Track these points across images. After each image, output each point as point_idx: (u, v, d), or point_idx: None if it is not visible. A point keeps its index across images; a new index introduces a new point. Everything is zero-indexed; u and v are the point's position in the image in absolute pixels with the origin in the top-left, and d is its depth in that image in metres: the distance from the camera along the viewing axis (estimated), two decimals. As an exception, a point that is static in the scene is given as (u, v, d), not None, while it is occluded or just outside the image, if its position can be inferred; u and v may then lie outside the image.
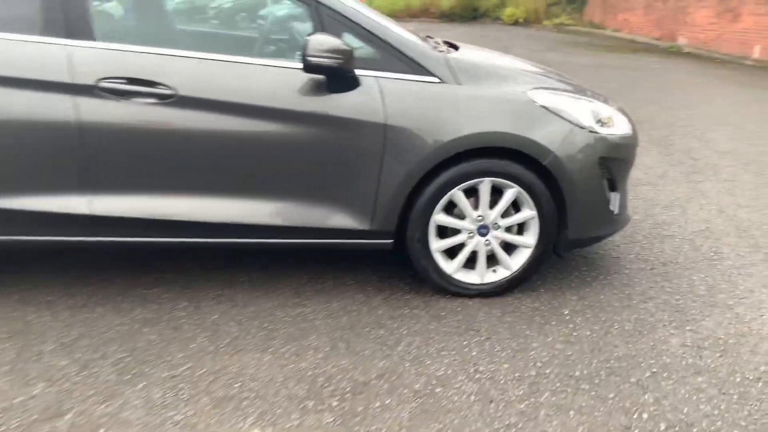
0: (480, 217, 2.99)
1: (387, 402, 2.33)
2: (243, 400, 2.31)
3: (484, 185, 2.93)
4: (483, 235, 3.02)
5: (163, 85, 2.70)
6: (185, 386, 2.38)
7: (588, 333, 2.82)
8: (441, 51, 3.10)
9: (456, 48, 3.49)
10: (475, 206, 3.01)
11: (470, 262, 3.09)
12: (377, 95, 2.81)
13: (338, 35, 2.77)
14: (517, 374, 2.51)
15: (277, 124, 2.78)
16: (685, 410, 2.34)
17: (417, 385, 2.43)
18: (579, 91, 3.26)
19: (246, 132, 2.77)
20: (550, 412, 2.30)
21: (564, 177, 2.94)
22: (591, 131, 3.00)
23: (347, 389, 2.39)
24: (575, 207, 3.00)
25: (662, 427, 2.25)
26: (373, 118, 2.80)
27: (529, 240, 3.05)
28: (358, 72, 2.80)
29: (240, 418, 2.22)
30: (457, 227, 3.01)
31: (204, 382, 2.41)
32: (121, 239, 2.88)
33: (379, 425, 2.21)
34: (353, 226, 2.93)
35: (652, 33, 15.72)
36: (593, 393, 2.42)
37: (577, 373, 2.53)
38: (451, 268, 3.05)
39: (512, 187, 2.94)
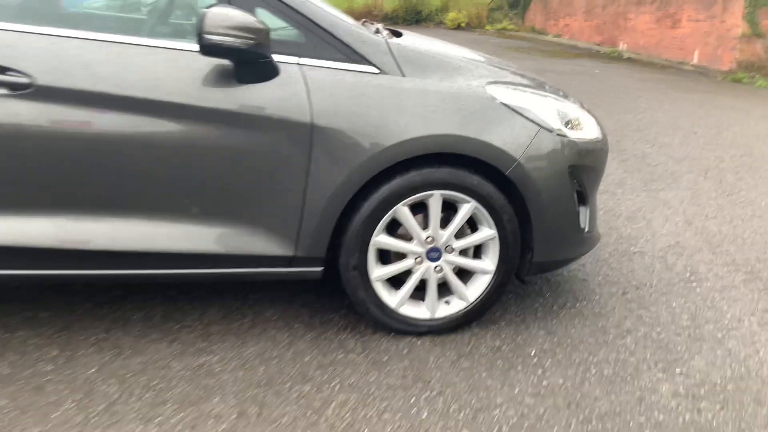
0: (430, 239, 2.41)
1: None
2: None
3: (435, 200, 2.36)
4: (433, 259, 2.45)
5: (16, 71, 2.01)
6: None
7: (561, 381, 2.27)
8: (381, 36, 2.51)
9: (399, 35, 2.92)
10: (424, 225, 2.43)
11: (419, 292, 2.52)
12: (301, 87, 2.20)
13: (250, 10, 2.14)
14: (479, 443, 1.95)
15: (169, 124, 2.13)
16: (690, 488, 1.82)
17: (351, 466, 1.83)
18: (539, 86, 2.73)
19: (126, 134, 2.11)
20: (523, 499, 1.75)
21: (529, 189, 2.40)
22: (559, 134, 2.47)
23: (258, 476, 1.78)
24: (542, 225, 2.46)
25: None
26: (295, 117, 2.19)
27: (488, 265, 2.50)
28: (276, 58, 2.19)
29: None
30: (403, 251, 2.43)
31: (60, 474, 1.74)
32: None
33: None
34: (272, 253, 2.31)
35: (592, 38, 15.62)
36: (575, 467, 1.87)
37: (554, 439, 1.99)
38: (396, 300, 2.47)
39: (468, 201, 2.38)
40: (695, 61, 12.12)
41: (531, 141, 2.39)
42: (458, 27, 18.93)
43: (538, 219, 2.45)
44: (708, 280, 3.14)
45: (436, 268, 2.45)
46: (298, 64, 2.23)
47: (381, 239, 2.37)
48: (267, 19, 2.19)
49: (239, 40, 2.02)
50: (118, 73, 2.09)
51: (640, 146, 5.86)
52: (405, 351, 2.41)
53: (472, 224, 2.50)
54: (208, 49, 2.03)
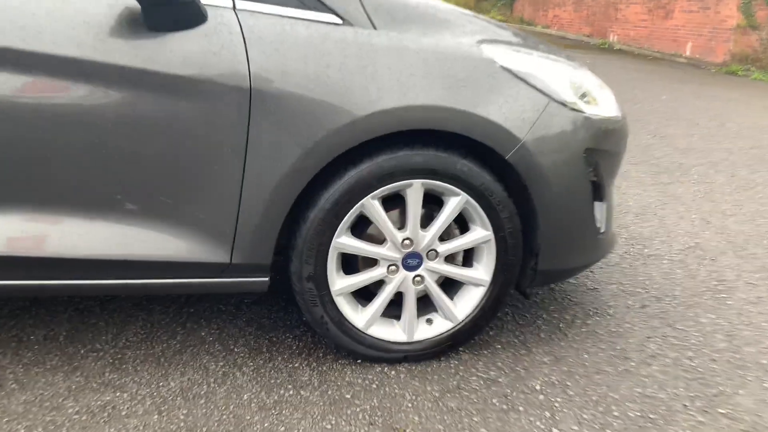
0: (407, 241, 1.86)
1: None
2: None
3: (414, 191, 1.81)
4: (412, 268, 1.89)
5: None
6: None
7: (576, 428, 1.73)
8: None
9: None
10: (400, 224, 1.88)
11: (393, 309, 1.96)
12: (236, 40, 1.63)
13: (164, -69, 1.56)
14: None
15: (56, 85, 1.55)
16: None
17: None
18: (547, 50, 2.16)
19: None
20: None
21: (536, 178, 1.84)
22: (574, 109, 1.91)
23: None
24: (550, 224, 1.91)
25: None
26: (227, 79, 1.62)
27: (482, 274, 1.94)
28: (202, -1, 1.62)
29: None
30: (373, 256, 1.87)
31: None
32: None
33: None
34: (199, 259, 1.74)
35: (582, 30, 15.11)
36: None
37: None
38: (363, 319, 1.91)
39: (456, 194, 1.83)
40: (688, 53, 11.63)
41: (539, 116, 1.83)
42: (445, 18, 18.35)
43: (546, 216, 1.89)
44: (738, 290, 2.61)
45: (415, 278, 1.90)
46: (233, 8, 1.66)
47: (344, 241, 1.81)
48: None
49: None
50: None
51: (641, 137, 5.34)
52: (374, 385, 1.85)
53: (461, 223, 1.95)
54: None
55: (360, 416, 1.71)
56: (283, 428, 1.65)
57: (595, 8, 14.58)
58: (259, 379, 1.84)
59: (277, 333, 2.08)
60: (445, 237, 1.94)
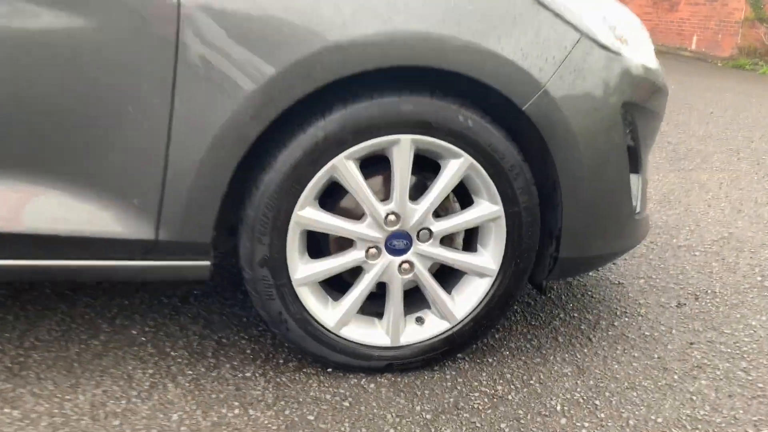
0: (393, 217, 1.41)
1: None
2: None
3: (401, 151, 1.36)
4: (398, 251, 1.44)
5: None
6: None
7: (613, 466, 1.29)
8: None
9: None
10: (384, 195, 1.44)
11: (374, 304, 1.52)
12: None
13: None
14: None
15: None
16: None
17: None
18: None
19: None
20: None
21: (561, 138, 1.39)
22: (611, 51, 1.46)
23: None
24: (577, 198, 1.46)
25: None
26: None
27: (487, 262, 1.50)
28: None
29: None
30: (347, 235, 1.42)
31: None
32: None
33: None
34: (116, 234, 1.29)
35: (583, 24, 14.64)
36: None
37: None
38: (334, 316, 1.46)
39: (457, 156, 1.38)
40: (693, 46, 11.19)
41: (567, 56, 1.38)
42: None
43: (572, 189, 1.45)
44: (789, 288, 2.17)
45: (402, 265, 1.45)
46: None
47: (309, 215, 1.36)
48: None
49: None
50: None
51: (653, 123, 4.89)
52: (346, 403, 1.40)
53: (463, 195, 1.51)
54: None
55: (325, 447, 1.27)
56: (218, 464, 1.20)
57: (598, 2, 14.12)
58: (197, 392, 1.40)
59: (228, 333, 1.64)
60: (441, 213, 1.49)
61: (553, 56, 1.36)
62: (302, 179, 1.32)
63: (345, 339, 1.47)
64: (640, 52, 1.58)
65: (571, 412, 1.43)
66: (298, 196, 1.33)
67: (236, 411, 1.35)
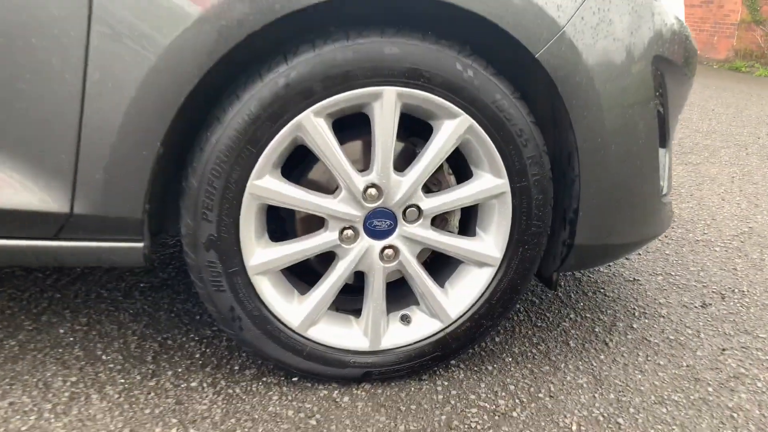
0: (373, 190, 1.13)
1: None
2: None
3: (385, 107, 1.08)
4: (380, 234, 1.16)
5: None
6: None
7: (648, 505, 1.02)
8: None
9: None
10: (364, 164, 1.16)
11: (351, 297, 1.24)
12: None
13: None
14: None
15: None
16: None
17: None
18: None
19: None
20: None
21: (581, 95, 1.12)
22: (640, -6, 1.20)
23: None
24: (598, 172, 1.19)
25: None
26: None
27: (489, 248, 1.22)
28: None
29: None
30: (316, 212, 1.14)
31: None
32: None
33: None
34: (19, 206, 1.01)
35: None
36: None
37: None
38: (300, 313, 1.18)
39: (454, 115, 1.10)
40: (688, 48, 10.99)
41: (589, -7, 1.11)
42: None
43: (592, 159, 1.17)
44: (824, 287, 1.91)
45: (385, 251, 1.17)
46: None
47: (268, 185, 1.08)
48: None
49: None
50: None
51: (654, 119, 4.65)
52: (313, 421, 1.12)
53: (459, 166, 1.24)
54: None
55: (281, 479, 0.99)
56: (139, 503, 0.92)
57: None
58: (126, 406, 1.11)
59: (175, 333, 1.35)
60: (433, 187, 1.22)
61: (574, -6, 1.09)
62: (259, 140, 1.04)
63: (313, 341, 1.19)
64: (672, 0, 1.32)
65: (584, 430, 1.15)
66: (254, 162, 1.05)
67: (173, 430, 1.06)
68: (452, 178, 1.25)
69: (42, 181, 1.00)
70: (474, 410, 1.18)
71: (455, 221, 1.28)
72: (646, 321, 1.59)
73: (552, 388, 1.27)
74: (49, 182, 1.00)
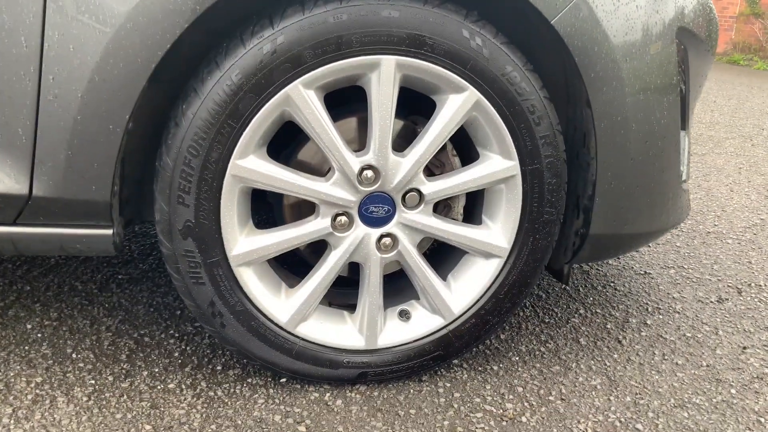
0: (370, 173, 1.01)
1: None
2: None
3: (383, 78, 0.96)
4: (377, 221, 1.05)
5: None
6: None
7: None
8: None
9: None
10: (359, 145, 1.05)
11: (345, 290, 1.13)
12: None
13: None
14: None
15: None
16: None
17: None
18: None
19: None
20: None
21: (599, 66, 1.01)
22: (663, -42, 1.08)
23: None
24: (616, 155, 1.08)
25: None
26: None
27: (496, 238, 1.11)
28: None
29: None
30: (307, 196, 1.02)
31: None
32: None
33: None
34: (-33, 184, 0.89)
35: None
36: None
37: None
38: (289, 308, 1.06)
39: (460, 89, 0.99)
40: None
41: (610, -48, 0.99)
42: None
43: (611, 140, 1.06)
44: (844, 281, 1.80)
45: (382, 240, 1.06)
46: None
47: (253, 166, 0.97)
48: None
49: None
50: None
51: (656, 110, 4.54)
52: (302, 427, 1.01)
53: (463, 145, 1.12)
54: None
55: (265, 494, 0.88)
56: None
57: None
58: (96, 411, 1.00)
59: (153, 330, 1.24)
60: (436, 170, 1.11)
61: (594, -47, 0.97)
62: (242, 114, 0.92)
63: (303, 339, 1.07)
64: (694, -29, 1.21)
65: (607, 440, 1.04)
66: (237, 139, 0.94)
67: (146, 439, 0.95)
68: (457, 160, 1.14)
69: (-4, 159, 0.88)
70: (479, 415, 1.07)
71: (460, 208, 1.17)
72: (661, 317, 1.48)
73: (563, 390, 1.16)
74: (3, 160, 0.88)
